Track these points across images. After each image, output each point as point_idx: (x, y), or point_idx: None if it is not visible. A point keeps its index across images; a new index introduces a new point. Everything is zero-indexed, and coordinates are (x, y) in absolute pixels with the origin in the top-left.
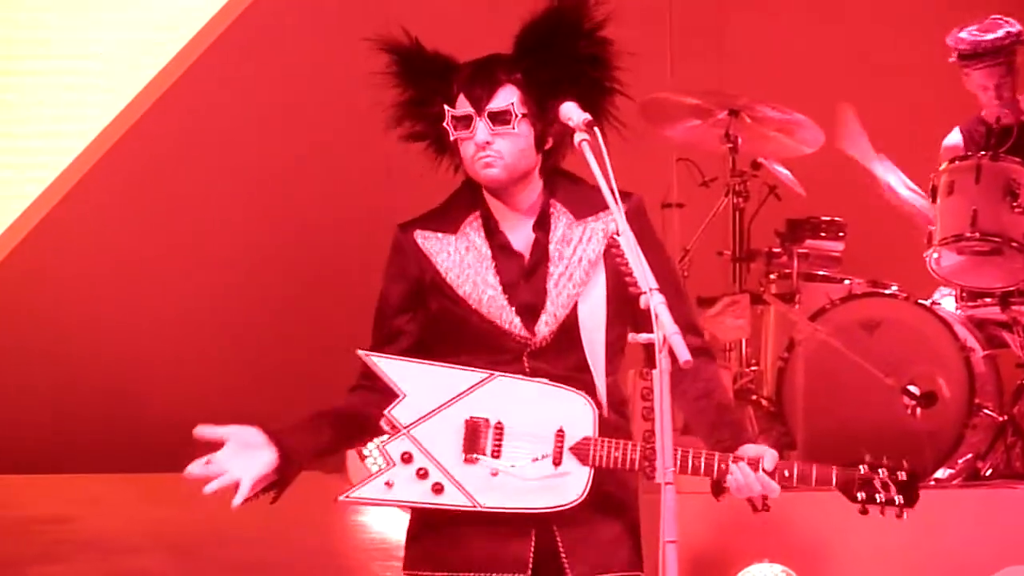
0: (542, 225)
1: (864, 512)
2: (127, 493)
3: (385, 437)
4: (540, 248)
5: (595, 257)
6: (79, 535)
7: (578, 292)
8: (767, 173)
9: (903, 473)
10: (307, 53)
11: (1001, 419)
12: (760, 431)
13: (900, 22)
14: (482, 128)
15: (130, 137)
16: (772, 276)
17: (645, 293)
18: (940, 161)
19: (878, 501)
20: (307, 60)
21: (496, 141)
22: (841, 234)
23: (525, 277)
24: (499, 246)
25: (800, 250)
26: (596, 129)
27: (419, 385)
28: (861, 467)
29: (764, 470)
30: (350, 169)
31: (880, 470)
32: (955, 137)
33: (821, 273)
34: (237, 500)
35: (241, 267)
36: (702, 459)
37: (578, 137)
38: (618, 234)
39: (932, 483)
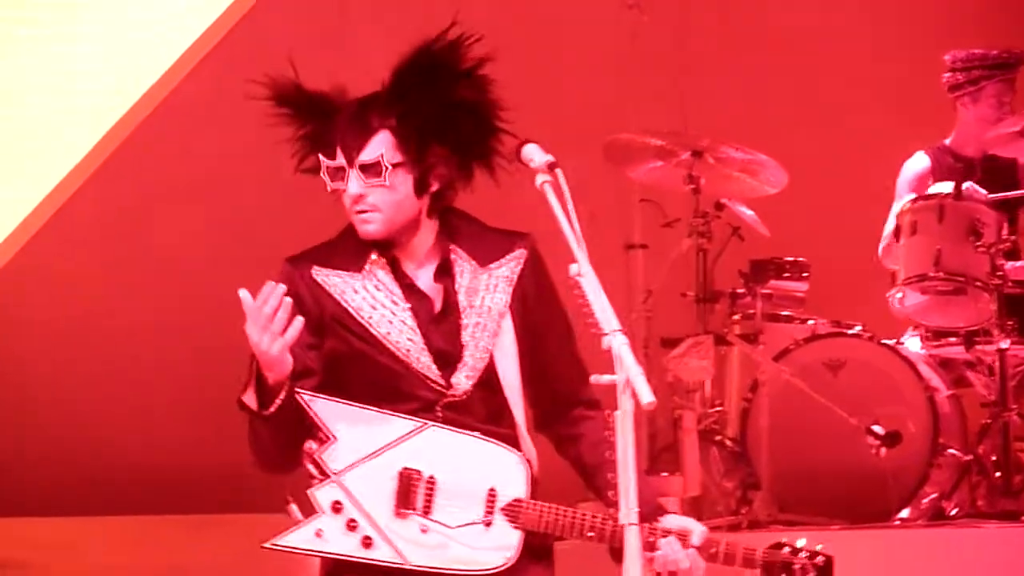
0: (446, 270)
1: None
2: (81, 537)
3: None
4: (448, 295)
5: (503, 306)
6: None
7: (492, 343)
8: (730, 214)
9: (821, 557)
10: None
11: (966, 458)
12: (724, 472)
13: (862, 60)
14: (354, 181)
15: (93, 182)
16: (736, 317)
17: (608, 335)
18: (901, 182)
19: None
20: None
21: (370, 194)
22: (805, 274)
23: (436, 323)
24: (407, 286)
25: (764, 291)
26: (558, 171)
27: (352, 430)
28: (785, 549)
29: (694, 546)
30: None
31: (801, 553)
32: (922, 161)
33: (785, 313)
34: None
35: (210, 308)
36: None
37: (540, 179)
38: (580, 275)
39: (896, 523)
